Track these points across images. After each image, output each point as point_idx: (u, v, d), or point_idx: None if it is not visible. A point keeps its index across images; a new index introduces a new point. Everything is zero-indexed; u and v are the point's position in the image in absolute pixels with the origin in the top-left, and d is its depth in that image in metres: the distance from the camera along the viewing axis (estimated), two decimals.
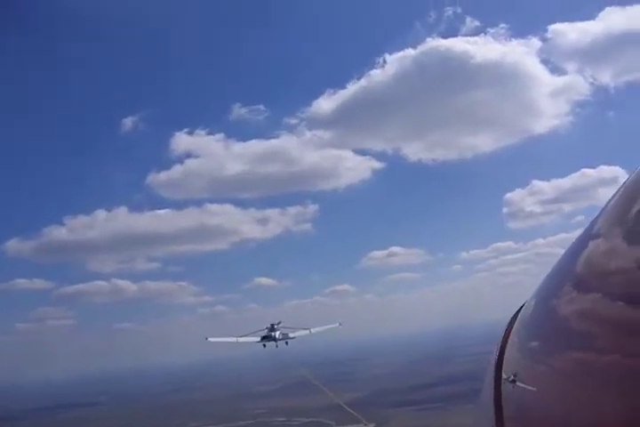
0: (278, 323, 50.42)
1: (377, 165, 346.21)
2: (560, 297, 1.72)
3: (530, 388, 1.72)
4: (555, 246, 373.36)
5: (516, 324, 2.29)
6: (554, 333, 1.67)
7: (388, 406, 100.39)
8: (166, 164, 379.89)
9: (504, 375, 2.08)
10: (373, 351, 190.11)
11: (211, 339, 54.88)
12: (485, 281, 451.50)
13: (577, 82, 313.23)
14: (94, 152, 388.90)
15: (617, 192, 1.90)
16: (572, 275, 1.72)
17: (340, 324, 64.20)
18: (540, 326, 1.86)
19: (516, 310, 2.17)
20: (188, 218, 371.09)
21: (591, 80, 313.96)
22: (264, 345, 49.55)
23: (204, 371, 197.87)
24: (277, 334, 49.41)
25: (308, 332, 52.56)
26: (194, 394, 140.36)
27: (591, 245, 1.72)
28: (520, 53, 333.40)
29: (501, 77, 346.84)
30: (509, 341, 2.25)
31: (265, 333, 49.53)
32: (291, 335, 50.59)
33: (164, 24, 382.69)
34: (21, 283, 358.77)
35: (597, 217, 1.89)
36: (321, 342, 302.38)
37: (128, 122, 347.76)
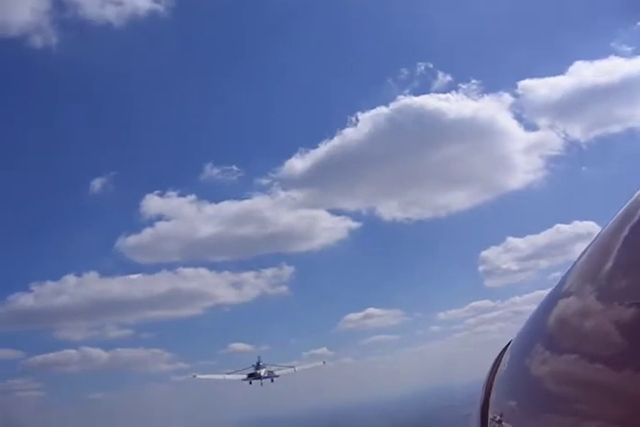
0: (258, 362, 50.99)
1: (352, 224, 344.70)
2: (533, 355, 1.73)
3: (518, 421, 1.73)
4: (531, 304, 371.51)
5: (500, 365, 2.27)
6: (534, 379, 1.68)
7: None
8: (137, 227, 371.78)
9: (490, 416, 2.06)
10: (352, 417, 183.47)
11: (199, 376, 56.42)
12: (464, 341, 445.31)
13: (549, 137, 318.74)
14: (62, 215, 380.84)
15: (586, 248, 1.87)
16: (542, 333, 1.73)
17: (324, 362, 64.47)
18: (521, 370, 1.84)
19: (501, 350, 2.19)
20: (161, 283, 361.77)
21: (563, 135, 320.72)
22: (250, 382, 50.49)
23: None
24: (263, 371, 50.63)
25: (292, 370, 53.40)
26: None
27: (561, 303, 1.74)
28: (492, 109, 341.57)
29: (475, 134, 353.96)
30: (495, 381, 2.23)
31: (251, 370, 50.23)
32: (276, 373, 51.71)
33: (131, 84, 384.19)
34: None
35: (567, 273, 1.88)
36: (299, 409, 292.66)
37: (97, 184, 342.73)
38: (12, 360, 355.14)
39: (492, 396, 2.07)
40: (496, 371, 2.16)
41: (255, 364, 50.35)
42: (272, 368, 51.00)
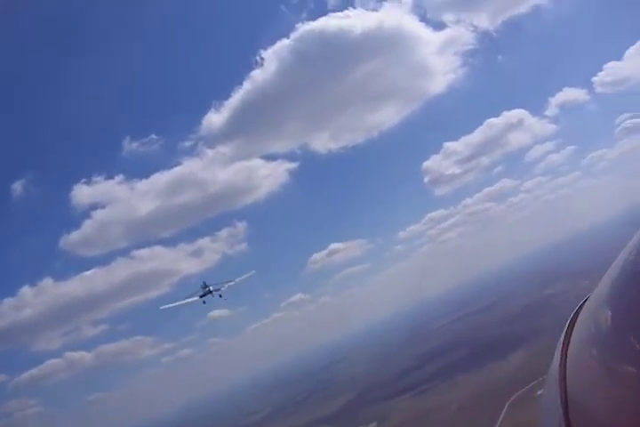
0: (205, 283, 61.30)
1: (290, 166, 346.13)
2: (625, 293, 1.71)
3: (597, 385, 1.72)
4: (483, 202, 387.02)
5: (579, 319, 2.24)
6: (619, 329, 1.66)
7: (382, 400, 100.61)
8: (75, 221, 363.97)
9: (569, 372, 2.06)
10: (348, 351, 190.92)
11: (162, 307, 66.50)
12: (429, 253, 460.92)
13: (459, 32, 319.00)
14: None
15: None
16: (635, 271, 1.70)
17: (254, 271, 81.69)
18: (605, 321, 1.84)
19: (579, 304, 2.27)
20: (119, 271, 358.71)
21: (472, 28, 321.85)
22: (204, 302, 60.04)
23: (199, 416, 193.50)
24: (211, 288, 60.07)
25: (233, 282, 63.64)
26: None
27: None
28: (395, 16, 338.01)
29: (385, 46, 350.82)
30: (570, 344, 2.19)
31: (201, 292, 60.01)
32: (222, 288, 61.10)
33: (22, 72, 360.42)
34: None
35: None
36: (294, 355, 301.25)
37: (18, 187, 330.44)
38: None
39: (569, 359, 2.11)
40: (571, 333, 2.22)
41: (202, 285, 60.66)
42: (217, 286, 61.16)
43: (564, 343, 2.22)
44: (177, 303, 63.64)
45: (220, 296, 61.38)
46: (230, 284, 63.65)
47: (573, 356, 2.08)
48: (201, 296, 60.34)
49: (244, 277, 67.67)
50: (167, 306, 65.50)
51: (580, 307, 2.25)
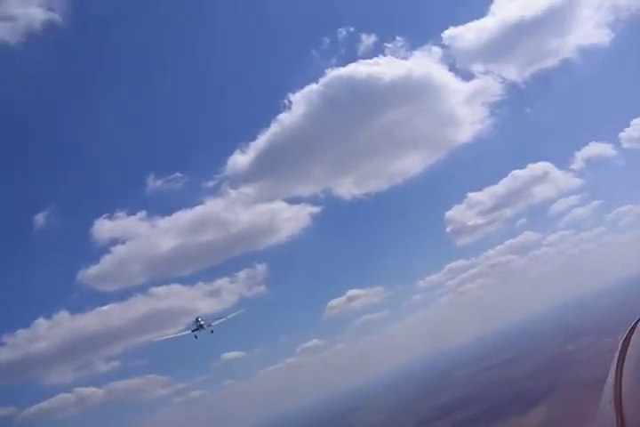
0: (198, 318, 64.72)
1: (313, 210, 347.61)
2: None
3: None
4: (505, 254, 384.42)
5: (633, 337, 2.26)
6: None
7: None
8: (94, 256, 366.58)
9: (624, 393, 1.97)
10: (366, 397, 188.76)
11: (155, 340, 74.96)
12: (449, 303, 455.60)
13: (487, 83, 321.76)
14: (11, 258, 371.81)
15: None
16: None
17: (244, 309, 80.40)
18: None
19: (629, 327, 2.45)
20: (136, 307, 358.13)
21: (500, 79, 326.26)
22: (195, 337, 63.54)
23: None
24: (203, 323, 63.43)
25: (225, 319, 67.44)
26: None
27: None
28: (424, 65, 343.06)
29: (413, 94, 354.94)
30: (627, 356, 2.20)
31: (194, 326, 63.42)
32: (213, 324, 64.40)
33: (49, 107, 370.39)
34: None
35: None
36: (308, 402, 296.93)
37: (40, 218, 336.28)
38: (7, 417, 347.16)
39: (624, 380, 1.96)
40: (625, 352, 2.10)
41: (195, 320, 64.37)
42: (209, 322, 64.70)
43: (618, 363, 2.15)
44: (169, 336, 68.30)
45: (212, 332, 64.74)
46: (222, 320, 67.37)
47: (629, 376, 1.99)
48: (193, 331, 63.77)
49: (234, 314, 71.85)
50: (160, 339, 71.87)
51: (635, 325, 2.33)
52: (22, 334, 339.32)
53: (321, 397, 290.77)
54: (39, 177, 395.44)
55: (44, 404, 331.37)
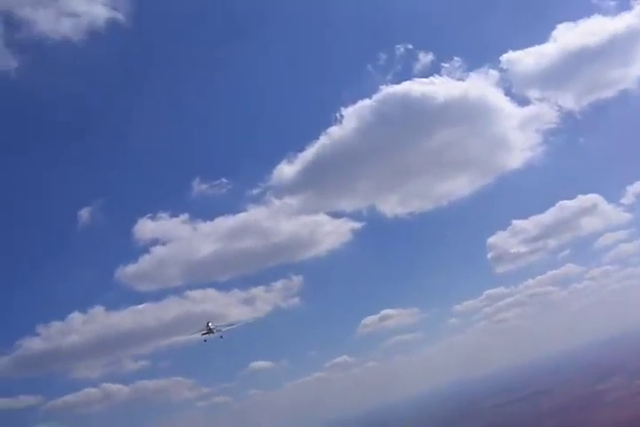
0: (208, 323, 68.47)
1: (355, 225, 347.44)
2: None
3: None
4: (545, 285, 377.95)
5: None
6: None
7: None
8: (134, 254, 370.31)
9: None
10: (390, 419, 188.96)
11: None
12: (484, 330, 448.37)
13: (542, 110, 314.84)
14: (53, 251, 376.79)
15: None
16: None
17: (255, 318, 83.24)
18: None
19: None
20: (170, 309, 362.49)
21: (556, 107, 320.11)
22: (205, 340, 67.07)
23: None
24: (213, 327, 66.71)
25: (235, 326, 71.57)
26: None
27: None
28: (480, 88, 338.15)
29: (466, 115, 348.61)
30: None
31: (205, 330, 66.49)
32: (223, 329, 67.79)
33: (101, 107, 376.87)
34: (6, 402, 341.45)
35: None
36: (334, 418, 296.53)
37: (85, 213, 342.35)
38: (33, 406, 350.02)
39: None
40: None
41: (206, 324, 67.47)
42: (219, 327, 67.98)
43: None
44: (180, 338, 72.78)
45: (221, 337, 67.84)
46: (232, 327, 70.86)
47: None
48: (203, 334, 66.75)
49: (244, 321, 76.12)
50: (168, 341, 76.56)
51: None
52: (57, 326, 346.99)
53: (344, 414, 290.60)
54: (89, 172, 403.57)
55: (70, 397, 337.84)
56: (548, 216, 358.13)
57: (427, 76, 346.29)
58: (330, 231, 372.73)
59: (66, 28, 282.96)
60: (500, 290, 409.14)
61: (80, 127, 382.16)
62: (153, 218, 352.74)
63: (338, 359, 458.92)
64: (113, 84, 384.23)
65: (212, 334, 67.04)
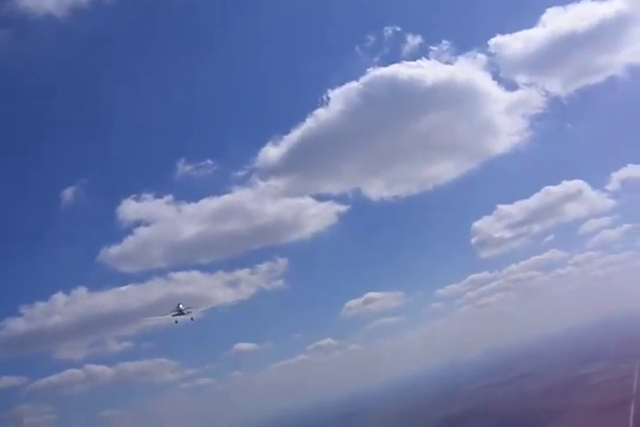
0: (179, 304, 68.93)
1: (340, 208, 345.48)
2: None
3: None
4: (528, 270, 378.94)
5: None
6: None
7: None
8: (118, 235, 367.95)
9: None
10: (371, 401, 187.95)
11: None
12: (466, 315, 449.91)
13: (530, 95, 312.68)
14: (36, 232, 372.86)
15: None
16: None
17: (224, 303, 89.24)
18: None
19: None
20: (154, 290, 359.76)
21: (543, 92, 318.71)
22: (176, 321, 67.57)
23: None
24: (184, 309, 67.33)
25: (207, 307, 75.96)
26: None
27: None
28: (467, 72, 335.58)
29: (453, 99, 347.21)
30: None
31: (176, 311, 67.48)
32: (192, 311, 68.63)
33: (90, 82, 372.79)
34: None
35: None
36: (313, 400, 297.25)
37: (68, 193, 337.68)
38: (17, 387, 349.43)
39: None
40: None
41: (177, 306, 68.01)
42: (190, 309, 68.52)
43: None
44: (150, 318, 73.01)
45: (192, 319, 68.83)
46: (202, 309, 73.27)
47: None
48: (174, 315, 67.51)
49: (216, 304, 78.50)
50: (148, 320, 76.38)
51: None
52: (40, 306, 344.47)
53: (327, 396, 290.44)
54: (73, 152, 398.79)
55: (54, 377, 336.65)
56: (533, 201, 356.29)
57: (414, 60, 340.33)
58: (315, 214, 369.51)
59: (49, 3, 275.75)
60: (484, 275, 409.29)
61: (64, 106, 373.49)
62: (137, 199, 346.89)
63: (321, 342, 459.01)
64: (97, 63, 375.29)
65: (182, 316, 66.79)
